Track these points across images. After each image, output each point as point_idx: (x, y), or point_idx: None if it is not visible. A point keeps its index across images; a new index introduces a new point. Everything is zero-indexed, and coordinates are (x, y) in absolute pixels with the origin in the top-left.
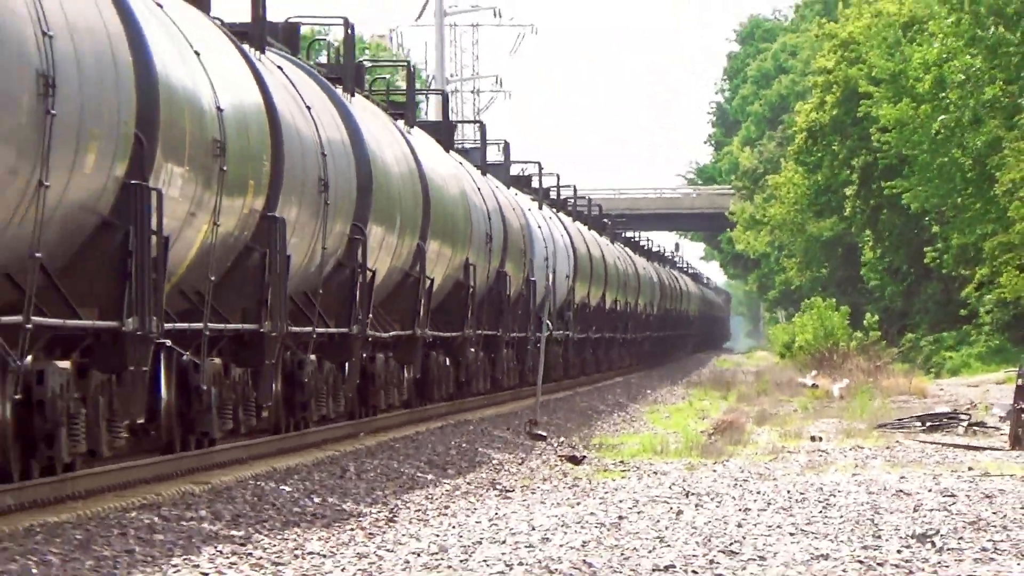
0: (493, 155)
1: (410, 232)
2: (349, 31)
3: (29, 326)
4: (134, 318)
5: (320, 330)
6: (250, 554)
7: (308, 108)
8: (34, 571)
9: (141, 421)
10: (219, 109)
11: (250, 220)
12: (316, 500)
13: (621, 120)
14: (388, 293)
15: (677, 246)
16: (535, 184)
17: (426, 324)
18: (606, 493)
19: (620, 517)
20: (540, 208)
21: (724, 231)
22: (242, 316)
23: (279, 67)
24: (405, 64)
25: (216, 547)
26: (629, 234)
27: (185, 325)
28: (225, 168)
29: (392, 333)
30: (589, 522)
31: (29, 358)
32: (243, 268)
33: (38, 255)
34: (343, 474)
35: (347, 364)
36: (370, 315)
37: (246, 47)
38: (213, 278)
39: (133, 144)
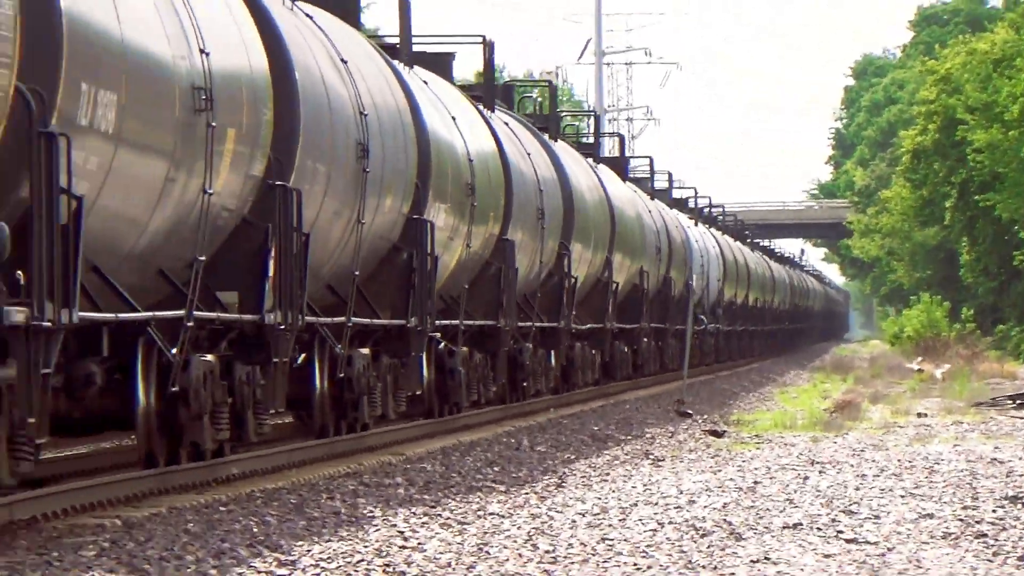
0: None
1: (601, 247)
2: (550, 87)
3: (350, 324)
4: (415, 318)
5: (538, 324)
6: (439, 515)
7: (528, 154)
8: (254, 530)
9: (418, 393)
10: (470, 160)
11: (489, 242)
12: (495, 468)
13: (753, 143)
14: (584, 295)
15: (803, 251)
16: (691, 204)
17: (613, 319)
18: (743, 462)
19: (755, 482)
20: (696, 224)
21: (842, 239)
22: (483, 314)
23: (505, 123)
24: (592, 113)
25: (410, 509)
26: (763, 241)
27: (446, 322)
28: (475, 204)
29: (588, 326)
30: (728, 487)
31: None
32: (485, 278)
33: (356, 272)
34: (519, 446)
35: (553, 351)
36: (573, 312)
37: (481, 107)
38: (466, 286)
39: (415, 189)
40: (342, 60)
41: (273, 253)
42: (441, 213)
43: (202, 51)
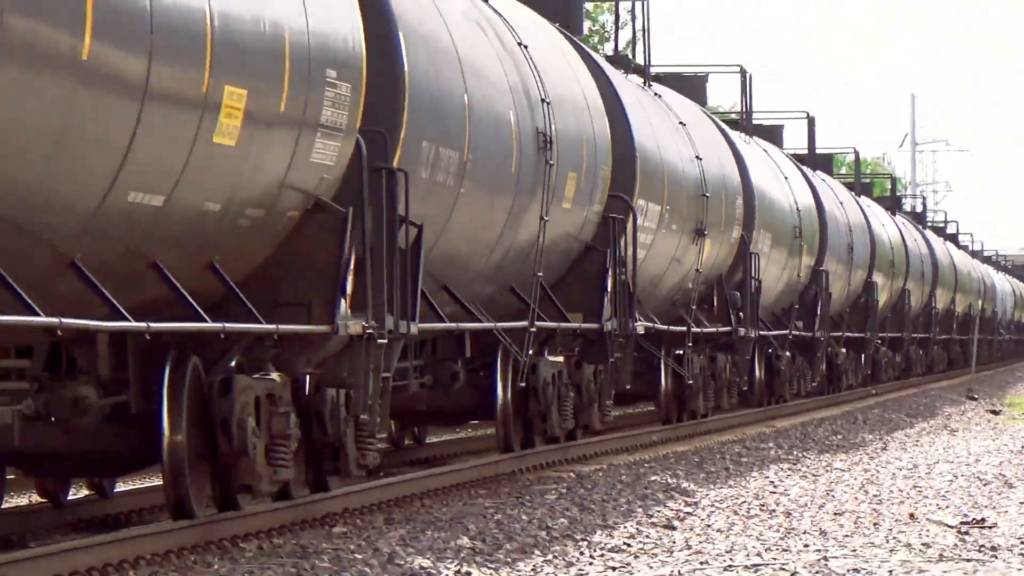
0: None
1: (899, 276)
2: (857, 153)
3: (533, 329)
4: (612, 320)
5: (848, 335)
6: (799, 469)
7: (841, 204)
8: (668, 480)
9: (744, 389)
10: (798, 210)
11: (805, 272)
12: (839, 436)
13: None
14: (884, 314)
15: None
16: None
17: (875, 328)
18: (1014, 432)
19: (1023, 446)
20: (972, 259)
21: None
22: (803, 327)
23: (822, 179)
24: (890, 177)
25: (779, 466)
26: None
27: (775, 332)
28: (802, 244)
29: (846, 334)
30: (1003, 450)
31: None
32: (805, 300)
33: (694, 294)
34: (855, 420)
35: (863, 354)
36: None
37: (806, 169)
38: (796, 305)
39: (740, 236)
40: (680, 123)
41: (610, 273)
42: (769, 250)
43: (543, 100)
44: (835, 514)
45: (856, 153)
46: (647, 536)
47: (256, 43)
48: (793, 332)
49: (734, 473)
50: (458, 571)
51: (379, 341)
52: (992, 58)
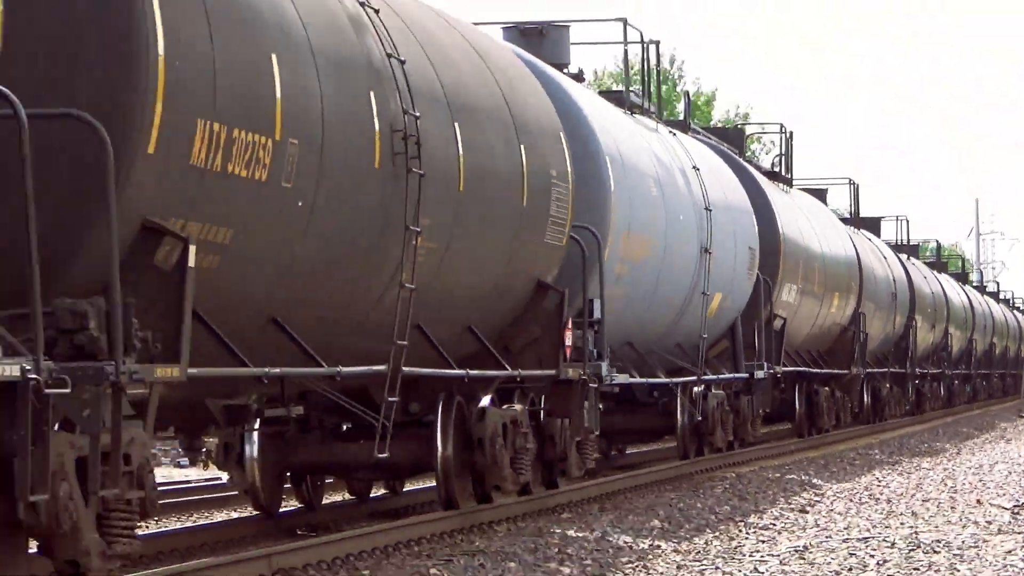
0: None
1: (900, 312)
2: (938, 242)
3: (705, 376)
4: (760, 369)
5: (890, 370)
6: (898, 468)
7: (885, 257)
8: (802, 477)
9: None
10: (824, 257)
11: (848, 312)
12: (925, 445)
13: None
14: (925, 353)
15: None
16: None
17: (915, 365)
18: None
19: None
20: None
21: None
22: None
23: (860, 234)
24: (960, 258)
25: (882, 468)
26: None
27: (816, 370)
28: (896, 306)
29: (884, 369)
30: None
31: None
32: (843, 340)
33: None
34: (937, 433)
35: (902, 387)
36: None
37: (851, 228)
38: (820, 349)
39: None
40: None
41: (758, 331)
42: (795, 294)
43: (707, 209)
44: (923, 501)
45: (938, 242)
46: (787, 518)
47: None
48: (890, 370)
49: (849, 474)
50: (652, 545)
51: (591, 385)
52: None
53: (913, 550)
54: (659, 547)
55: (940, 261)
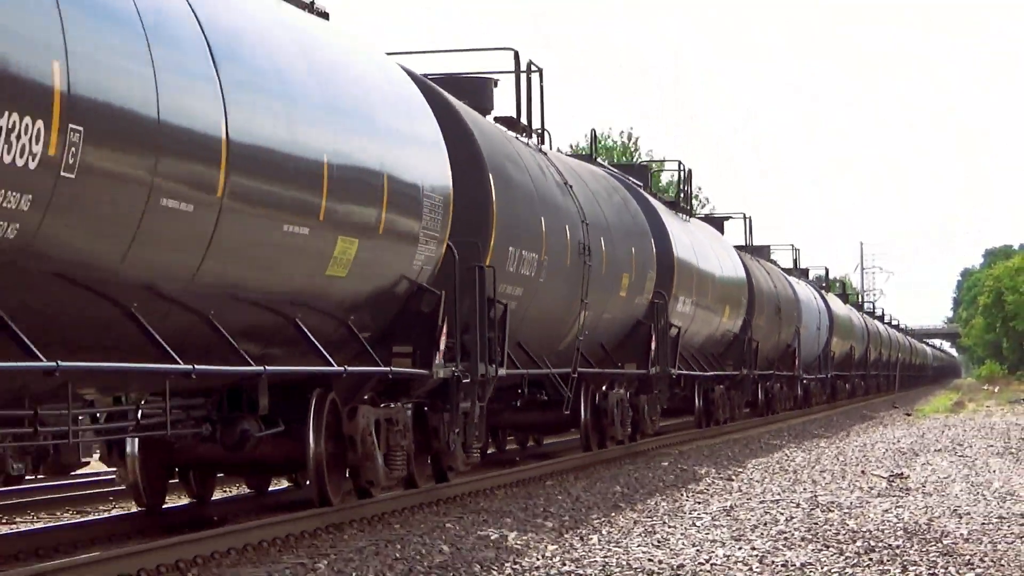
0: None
1: (786, 322)
2: (827, 269)
3: (575, 375)
4: (656, 367)
5: (776, 372)
6: (801, 446)
7: (770, 275)
8: (728, 453)
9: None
10: (716, 276)
11: (737, 323)
12: (822, 429)
13: None
14: (770, 350)
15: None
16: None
17: (802, 367)
18: (919, 425)
19: (923, 433)
20: (883, 323)
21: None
22: (732, 366)
23: (749, 255)
24: (825, 271)
25: (790, 445)
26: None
27: (711, 373)
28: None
29: (771, 371)
30: (913, 434)
31: None
32: (737, 345)
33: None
34: (831, 420)
35: (789, 387)
36: (757, 362)
37: (745, 254)
38: (714, 353)
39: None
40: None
41: (655, 338)
42: (688, 306)
43: (583, 222)
44: (821, 471)
45: (826, 268)
46: (717, 485)
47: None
48: (777, 372)
49: (766, 449)
50: (536, 538)
51: (464, 381)
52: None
53: (813, 509)
54: (542, 541)
55: (828, 284)
